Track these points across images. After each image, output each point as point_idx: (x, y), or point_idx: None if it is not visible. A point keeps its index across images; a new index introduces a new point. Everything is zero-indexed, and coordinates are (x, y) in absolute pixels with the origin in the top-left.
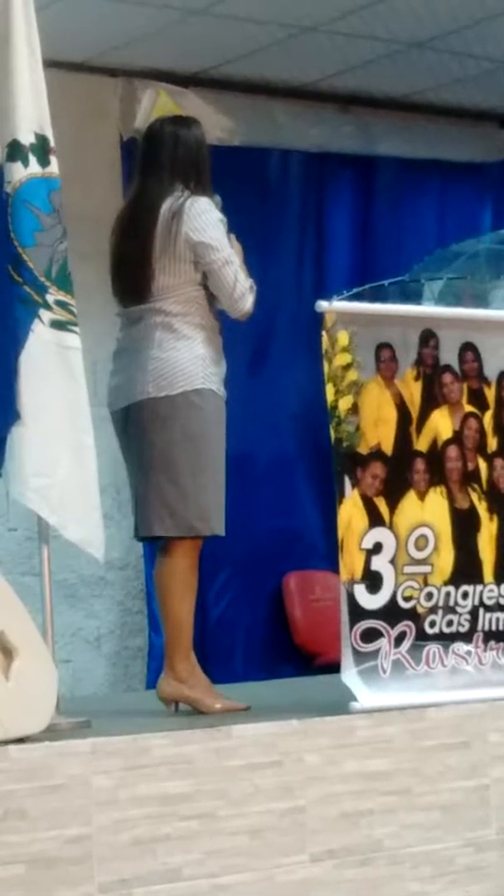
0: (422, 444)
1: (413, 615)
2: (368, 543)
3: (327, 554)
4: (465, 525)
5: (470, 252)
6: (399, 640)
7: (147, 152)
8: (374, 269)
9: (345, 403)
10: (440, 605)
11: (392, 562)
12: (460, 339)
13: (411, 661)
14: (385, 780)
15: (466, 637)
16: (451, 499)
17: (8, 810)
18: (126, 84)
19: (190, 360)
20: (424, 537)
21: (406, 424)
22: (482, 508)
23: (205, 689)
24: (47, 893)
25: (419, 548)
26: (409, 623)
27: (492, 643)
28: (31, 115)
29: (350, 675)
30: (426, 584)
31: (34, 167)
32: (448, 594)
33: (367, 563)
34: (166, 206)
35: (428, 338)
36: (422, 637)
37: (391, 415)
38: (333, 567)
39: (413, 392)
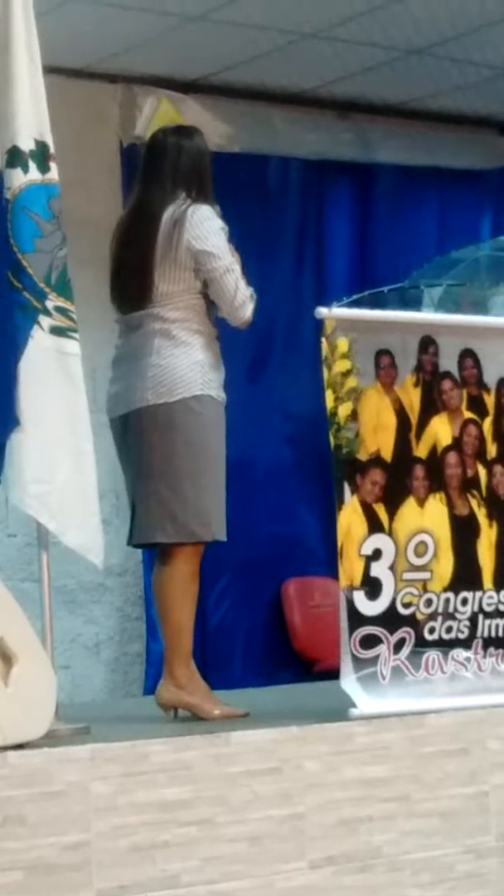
0: (421, 451)
1: (412, 621)
2: (368, 550)
3: (327, 560)
4: (464, 531)
5: (469, 259)
6: (398, 646)
7: (149, 161)
8: (374, 276)
9: (344, 410)
10: (439, 612)
11: (391, 568)
12: (460, 345)
13: (410, 668)
14: (384, 787)
15: (466, 643)
16: (450, 505)
17: (7, 816)
18: (126, 90)
19: (188, 367)
20: (424, 544)
21: (405, 431)
22: (481, 515)
23: (204, 695)
24: None
25: (418, 554)
26: (409, 629)
27: (491, 649)
28: (31, 122)
29: (349, 681)
30: (425, 590)
31: (34, 173)
32: (447, 601)
33: (367, 569)
34: (168, 213)
35: (427, 344)
36: (421, 643)
37: (390, 421)
38: (333, 573)
39: (412, 398)
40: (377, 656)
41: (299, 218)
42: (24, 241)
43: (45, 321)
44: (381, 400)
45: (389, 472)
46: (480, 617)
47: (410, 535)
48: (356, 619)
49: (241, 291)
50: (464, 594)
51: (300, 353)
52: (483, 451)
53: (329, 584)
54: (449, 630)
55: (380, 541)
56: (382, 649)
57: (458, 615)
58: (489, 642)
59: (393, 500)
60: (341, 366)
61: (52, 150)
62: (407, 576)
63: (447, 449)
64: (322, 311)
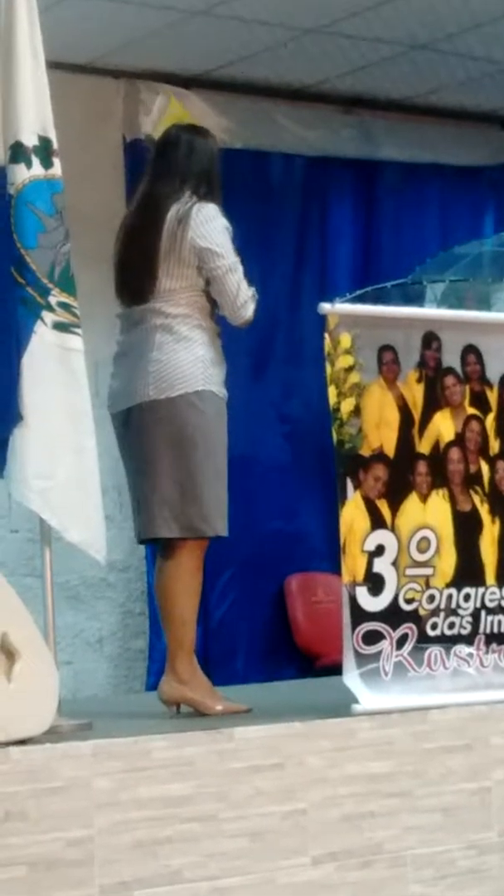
0: (424, 447)
1: (415, 617)
2: (370, 545)
3: (329, 556)
4: (467, 527)
5: (472, 254)
6: (401, 642)
7: (160, 156)
8: (377, 272)
9: (347, 405)
10: (442, 608)
11: (394, 564)
12: (463, 341)
13: (413, 664)
14: (387, 783)
15: (468, 639)
16: (453, 501)
17: (9, 812)
18: (129, 86)
19: (190, 362)
20: (426, 539)
21: (408, 427)
22: (484, 511)
23: (206, 690)
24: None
25: (421, 550)
26: (411, 625)
27: (493, 645)
28: (35, 117)
29: (352, 677)
30: (428, 586)
31: (37, 169)
32: (450, 596)
33: (369, 565)
34: (174, 210)
35: (430, 340)
36: (423, 639)
37: (393, 417)
38: (335, 569)
39: (415, 394)
40: (380, 652)
41: (301, 214)
42: (27, 237)
43: (48, 317)
44: (384, 396)
45: (392, 468)
46: (483, 613)
47: (413, 530)
48: (359, 614)
49: (242, 291)
50: (466, 590)
51: (303, 349)
52: (486, 446)
53: (332, 580)
54: (451, 626)
55: (382, 536)
56: (385, 645)
57: (460, 611)
58: (492, 638)
59: (396, 495)
60: (344, 361)
61: (55, 145)
62: (409, 572)
63: (450, 445)
64: (325, 307)
